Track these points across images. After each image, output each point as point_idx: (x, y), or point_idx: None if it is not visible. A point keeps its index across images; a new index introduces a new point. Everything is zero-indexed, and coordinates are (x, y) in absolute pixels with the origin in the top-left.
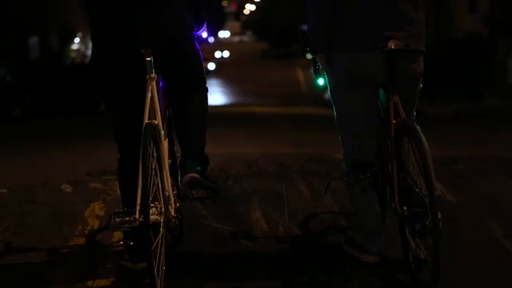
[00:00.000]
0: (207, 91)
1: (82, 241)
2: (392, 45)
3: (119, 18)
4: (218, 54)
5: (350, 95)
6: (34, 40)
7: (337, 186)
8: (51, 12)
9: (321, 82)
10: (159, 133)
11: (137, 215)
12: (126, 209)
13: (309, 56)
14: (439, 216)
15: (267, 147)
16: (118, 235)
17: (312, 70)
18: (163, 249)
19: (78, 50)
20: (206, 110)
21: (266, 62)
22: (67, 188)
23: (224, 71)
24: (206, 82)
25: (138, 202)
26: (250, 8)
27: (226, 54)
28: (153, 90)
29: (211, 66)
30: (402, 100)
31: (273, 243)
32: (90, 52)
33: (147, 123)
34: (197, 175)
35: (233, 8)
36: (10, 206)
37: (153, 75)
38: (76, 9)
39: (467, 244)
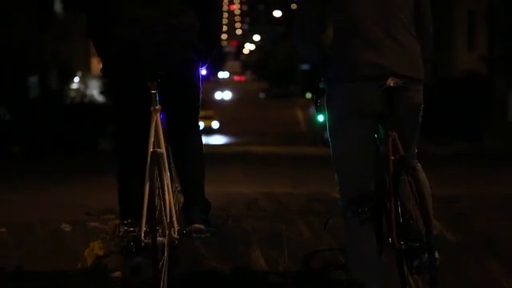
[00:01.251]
0: (200, 134)
1: (81, 279)
2: (391, 82)
3: (128, 54)
4: (218, 95)
5: (348, 128)
6: (33, 79)
7: (336, 223)
8: (51, 51)
9: (321, 118)
10: (163, 161)
11: (142, 236)
12: (129, 220)
13: (308, 95)
14: (437, 255)
15: (267, 186)
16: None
17: (311, 109)
18: (166, 268)
19: (77, 90)
20: (202, 155)
21: (265, 102)
22: (66, 227)
23: (224, 110)
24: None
25: (144, 224)
26: (249, 48)
27: (228, 95)
28: (157, 121)
29: (215, 124)
30: (402, 133)
31: (273, 282)
32: (89, 91)
33: (153, 151)
34: (202, 226)
35: (232, 45)
36: (10, 245)
37: (157, 107)
38: (76, 48)
39: (467, 283)
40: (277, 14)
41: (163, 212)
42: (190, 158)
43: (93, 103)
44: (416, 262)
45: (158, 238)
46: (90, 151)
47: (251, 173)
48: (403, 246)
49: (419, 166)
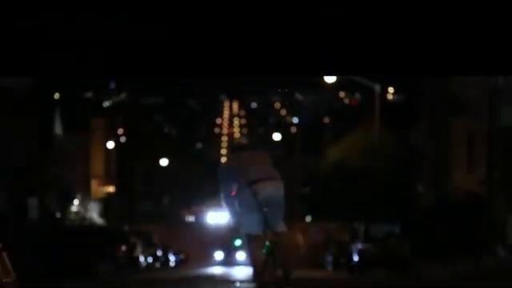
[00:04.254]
0: None
1: None
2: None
3: None
4: (212, 218)
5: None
6: (33, 201)
7: None
8: (50, 173)
9: (238, 242)
10: None
11: None
12: None
13: (308, 218)
14: None
15: None
16: None
17: (311, 232)
18: None
19: (77, 212)
20: None
21: None
22: None
23: (223, 236)
24: None
25: None
26: None
27: (226, 218)
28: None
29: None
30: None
31: None
32: (89, 214)
33: None
34: None
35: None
36: None
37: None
38: (75, 171)
39: None
40: (276, 137)
41: None
42: None
43: (93, 226)
44: None
45: None
46: (90, 274)
47: None
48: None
49: (285, 233)
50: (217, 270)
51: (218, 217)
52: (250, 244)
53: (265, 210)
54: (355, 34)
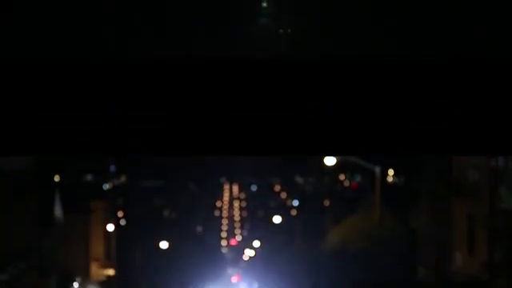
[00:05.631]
0: None
1: None
2: None
3: None
4: None
5: None
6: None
7: None
8: (50, 255)
9: None
10: None
11: None
12: None
13: None
14: None
15: None
16: None
17: None
18: None
19: None
20: None
21: None
22: None
23: None
24: None
25: None
26: (249, 254)
27: None
28: None
29: None
30: None
31: None
32: None
33: None
34: None
35: (232, 244)
36: None
37: None
38: (75, 253)
39: None
40: (276, 220)
41: None
42: None
43: None
44: None
45: None
46: None
47: None
48: None
49: None
50: None
51: None
52: None
53: None
54: (354, 114)
